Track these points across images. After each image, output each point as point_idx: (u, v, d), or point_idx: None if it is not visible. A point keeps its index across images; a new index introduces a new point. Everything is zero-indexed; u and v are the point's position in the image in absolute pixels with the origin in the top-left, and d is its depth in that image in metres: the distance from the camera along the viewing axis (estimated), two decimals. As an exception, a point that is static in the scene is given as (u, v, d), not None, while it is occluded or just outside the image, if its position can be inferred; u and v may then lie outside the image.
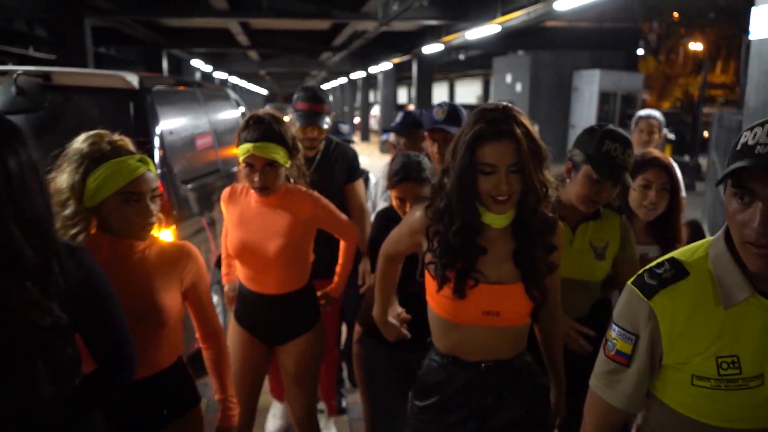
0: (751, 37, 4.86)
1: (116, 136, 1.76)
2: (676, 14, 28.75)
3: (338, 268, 2.70)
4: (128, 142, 1.77)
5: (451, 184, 1.62)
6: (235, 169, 3.65)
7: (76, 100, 3.39)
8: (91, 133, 1.73)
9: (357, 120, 25.73)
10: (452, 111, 2.79)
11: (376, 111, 17.76)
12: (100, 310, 1.44)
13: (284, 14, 11.12)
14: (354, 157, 3.26)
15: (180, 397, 1.89)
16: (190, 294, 1.89)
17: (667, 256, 1.30)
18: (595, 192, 2.02)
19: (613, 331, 1.32)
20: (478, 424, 1.74)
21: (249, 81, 40.49)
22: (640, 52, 20.50)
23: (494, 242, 1.67)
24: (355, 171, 3.22)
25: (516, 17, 9.32)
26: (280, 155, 2.26)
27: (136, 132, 3.23)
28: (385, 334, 2.09)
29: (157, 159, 3.37)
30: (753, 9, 4.81)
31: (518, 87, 17.59)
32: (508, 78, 18.07)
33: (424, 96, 18.23)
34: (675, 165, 2.59)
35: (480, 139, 1.56)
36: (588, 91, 15.62)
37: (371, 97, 30.72)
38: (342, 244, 2.66)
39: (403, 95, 35.88)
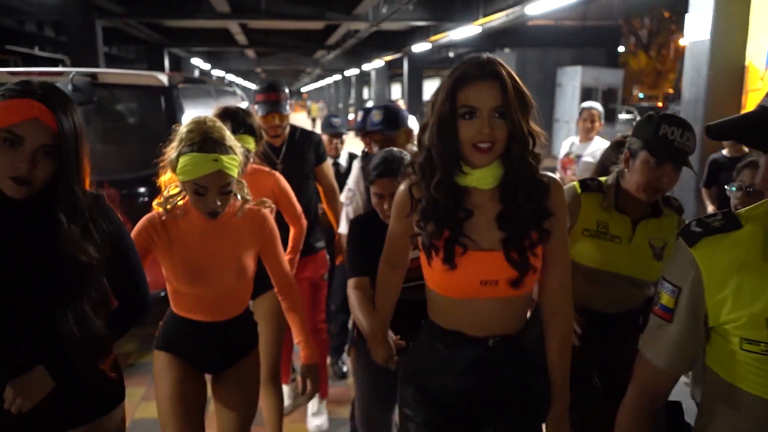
0: (685, 39, 5.65)
1: (215, 126, 1.88)
2: (666, 13, 29.47)
3: (288, 249, 2.90)
4: (223, 135, 1.87)
5: (430, 134, 1.49)
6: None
7: (118, 94, 4.16)
8: (194, 119, 1.89)
9: (351, 116, 26.41)
10: (389, 113, 2.85)
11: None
12: (123, 256, 1.58)
13: (281, 16, 11.78)
14: (319, 141, 3.38)
15: (247, 338, 2.16)
16: (265, 252, 2.09)
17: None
18: (655, 178, 1.92)
19: (661, 286, 1.22)
20: (484, 402, 1.60)
21: (245, 78, 41.00)
22: (621, 49, 21.23)
23: (482, 207, 1.52)
24: (322, 154, 3.36)
25: (496, 18, 10.09)
26: (251, 144, 2.58)
27: (167, 120, 3.99)
28: (375, 352, 1.82)
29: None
30: (686, 15, 5.60)
31: (505, 83, 18.16)
32: (496, 74, 18.64)
33: (414, 91, 19.00)
34: None
35: (462, 81, 1.44)
36: (570, 87, 16.13)
37: (365, 93, 31.39)
38: (292, 231, 2.89)
39: (396, 91, 36.54)
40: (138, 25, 13.87)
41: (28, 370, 1.43)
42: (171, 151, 1.88)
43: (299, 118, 36.84)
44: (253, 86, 47.23)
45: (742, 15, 5.29)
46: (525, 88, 1.47)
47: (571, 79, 16.08)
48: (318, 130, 4.35)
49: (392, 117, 2.85)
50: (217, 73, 28.18)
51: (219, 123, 1.91)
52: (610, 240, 2.01)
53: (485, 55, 1.49)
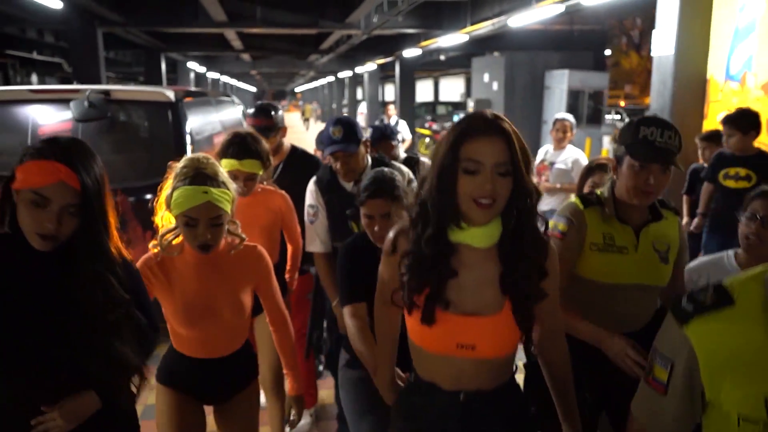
0: (652, 53, 6.07)
1: (209, 162, 1.93)
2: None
3: (288, 267, 3.08)
4: (216, 171, 1.93)
5: (429, 186, 1.45)
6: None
7: (129, 109, 4.52)
8: (188, 157, 1.95)
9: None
10: (347, 128, 2.75)
11: (363, 108, 18.66)
12: (139, 293, 1.69)
13: (276, 24, 12.09)
14: (318, 162, 3.45)
15: (246, 370, 2.20)
16: (260, 288, 2.12)
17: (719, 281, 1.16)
18: (642, 181, 1.91)
19: (653, 357, 1.21)
20: None
21: (240, 80, 41.32)
22: (608, 52, 21.69)
23: (472, 266, 1.48)
24: None
25: (482, 27, 10.51)
26: (258, 168, 2.65)
27: (174, 131, 4.36)
28: (386, 395, 1.83)
29: (189, 154, 4.26)
30: (653, 31, 6.02)
31: (494, 86, 18.25)
32: (486, 77, 18.77)
33: (406, 94, 19.41)
34: None
35: (465, 134, 1.40)
36: (558, 89, 16.42)
37: (359, 94, 31.58)
38: (289, 249, 3.06)
39: (389, 91, 36.85)
40: (136, 31, 14.16)
41: (46, 405, 1.49)
42: (167, 188, 1.93)
43: (293, 118, 37.12)
44: (248, 87, 47.71)
45: (704, 32, 5.69)
46: (525, 143, 1.45)
47: (559, 82, 16.33)
48: (313, 129, 4.52)
49: (351, 132, 2.75)
50: (212, 75, 28.40)
51: (212, 160, 1.97)
52: (618, 252, 2.00)
53: (489, 111, 1.47)
